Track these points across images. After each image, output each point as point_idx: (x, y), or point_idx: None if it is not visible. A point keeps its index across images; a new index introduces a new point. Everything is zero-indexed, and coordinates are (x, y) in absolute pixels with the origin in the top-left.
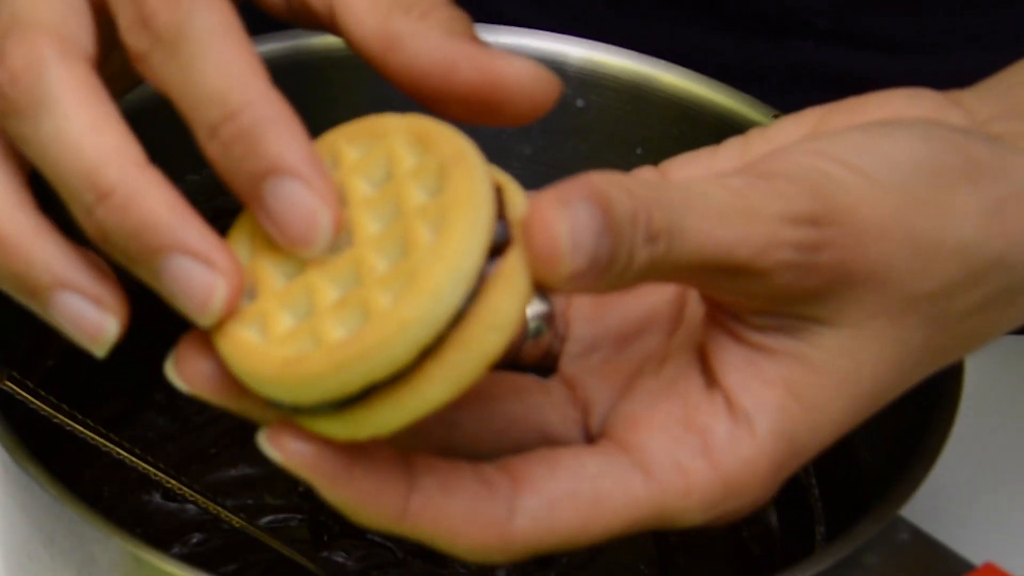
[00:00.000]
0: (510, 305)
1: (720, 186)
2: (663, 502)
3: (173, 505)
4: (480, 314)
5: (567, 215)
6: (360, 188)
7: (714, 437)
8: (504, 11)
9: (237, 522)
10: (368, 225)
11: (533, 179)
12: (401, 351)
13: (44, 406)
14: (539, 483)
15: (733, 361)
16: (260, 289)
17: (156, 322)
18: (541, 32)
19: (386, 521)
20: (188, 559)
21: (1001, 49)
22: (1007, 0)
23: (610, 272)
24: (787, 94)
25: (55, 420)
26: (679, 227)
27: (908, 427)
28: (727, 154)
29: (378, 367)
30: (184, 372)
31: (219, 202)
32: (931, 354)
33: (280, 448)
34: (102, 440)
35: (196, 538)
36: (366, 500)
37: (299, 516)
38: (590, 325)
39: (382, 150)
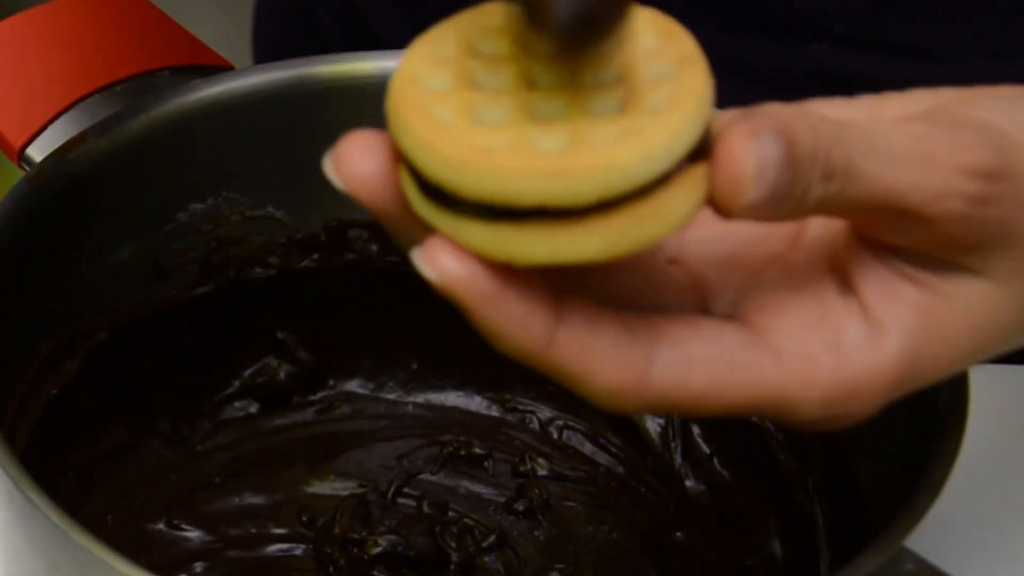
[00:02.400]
0: (686, 207)
1: (903, 130)
2: (787, 387)
3: (177, 534)
4: (660, 200)
5: (756, 149)
6: None
7: (847, 336)
8: None
9: None
10: (585, 75)
11: None
12: (594, 188)
13: None
14: (680, 339)
15: (875, 276)
16: (461, 82)
17: (160, 351)
18: None
19: (530, 349)
20: None
21: (1016, 58)
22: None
23: (783, 205)
24: (800, 96)
25: None
26: (856, 168)
27: (913, 457)
28: (864, 106)
29: (565, 191)
30: (343, 169)
31: (223, 230)
32: None
33: (434, 265)
34: None
35: (199, 567)
36: (515, 326)
37: (304, 546)
38: (715, 219)
39: None
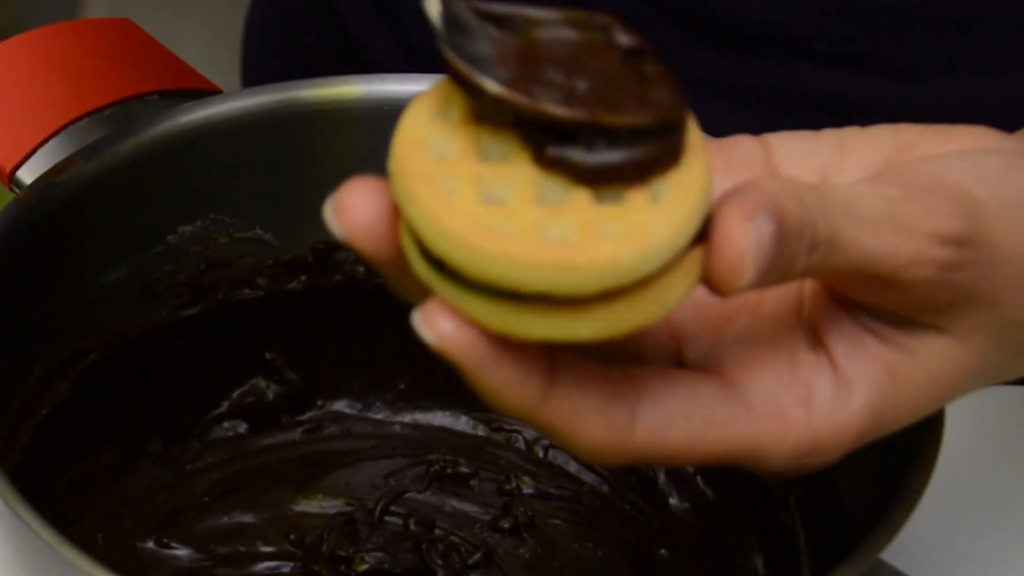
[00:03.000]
0: (681, 290)
1: (877, 196)
2: (759, 442)
3: (166, 552)
4: (657, 286)
5: (752, 231)
6: None
7: (817, 392)
8: None
9: None
10: None
11: None
12: (597, 282)
13: None
14: (660, 396)
15: (843, 331)
16: (468, 151)
17: (150, 372)
18: None
19: (524, 409)
20: None
21: (995, 76)
22: (1004, 30)
23: (770, 278)
24: (784, 114)
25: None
26: (838, 238)
27: (891, 474)
28: (828, 142)
29: (569, 284)
30: (343, 217)
31: (212, 252)
32: (998, 373)
33: (433, 328)
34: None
35: None
36: (509, 388)
37: (292, 564)
38: None
39: None
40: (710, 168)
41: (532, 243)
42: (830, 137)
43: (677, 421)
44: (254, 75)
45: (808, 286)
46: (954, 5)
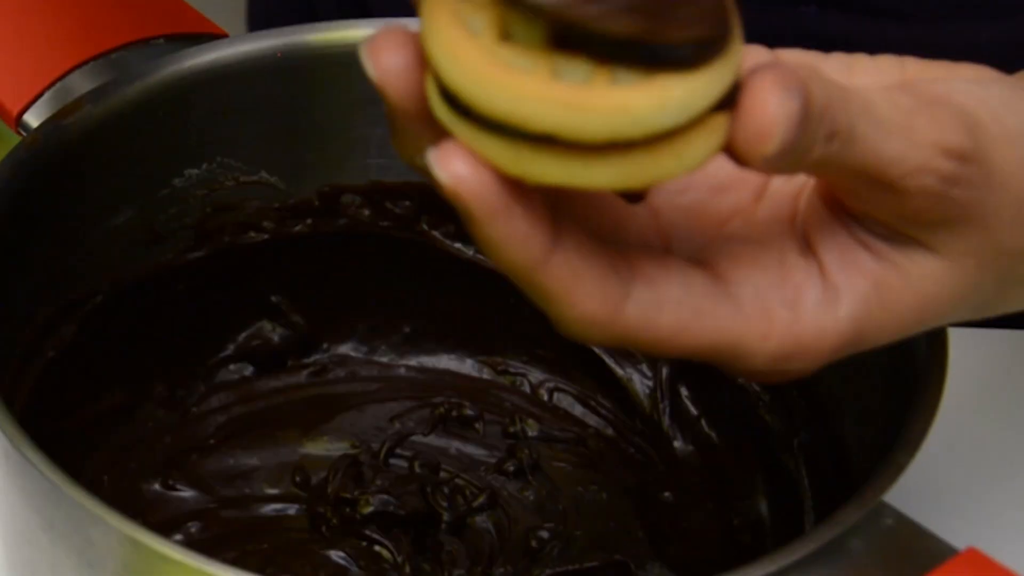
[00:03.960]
0: (702, 151)
1: (890, 102)
2: (744, 338)
3: (172, 494)
4: (677, 143)
5: (786, 102)
6: None
7: (805, 296)
8: None
9: None
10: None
11: None
12: (604, 129)
13: None
14: (654, 279)
15: (836, 241)
16: (481, 13)
17: (156, 315)
18: None
19: (525, 266)
20: (187, 547)
21: (997, 19)
22: None
23: (787, 160)
24: None
25: None
26: (854, 132)
27: (894, 416)
28: (836, 63)
29: (575, 126)
30: (376, 60)
31: (218, 195)
32: (983, 301)
33: (448, 169)
34: None
35: (195, 527)
36: (515, 241)
37: (297, 506)
38: None
39: None
40: (740, 38)
41: (543, 80)
42: (838, 59)
43: (667, 306)
44: (258, 20)
45: (803, 197)
46: None
